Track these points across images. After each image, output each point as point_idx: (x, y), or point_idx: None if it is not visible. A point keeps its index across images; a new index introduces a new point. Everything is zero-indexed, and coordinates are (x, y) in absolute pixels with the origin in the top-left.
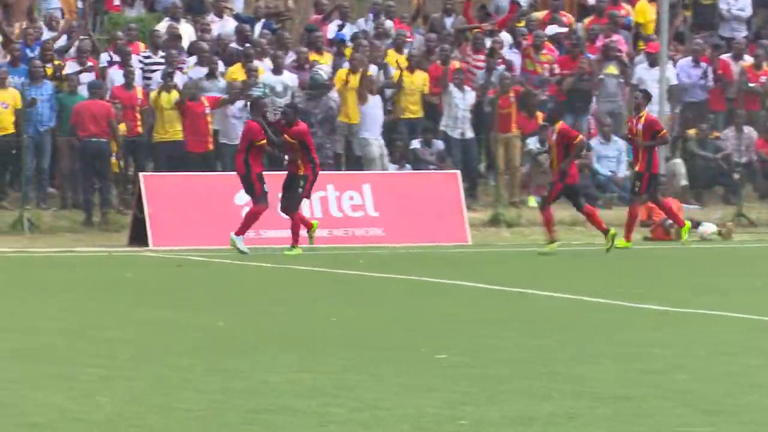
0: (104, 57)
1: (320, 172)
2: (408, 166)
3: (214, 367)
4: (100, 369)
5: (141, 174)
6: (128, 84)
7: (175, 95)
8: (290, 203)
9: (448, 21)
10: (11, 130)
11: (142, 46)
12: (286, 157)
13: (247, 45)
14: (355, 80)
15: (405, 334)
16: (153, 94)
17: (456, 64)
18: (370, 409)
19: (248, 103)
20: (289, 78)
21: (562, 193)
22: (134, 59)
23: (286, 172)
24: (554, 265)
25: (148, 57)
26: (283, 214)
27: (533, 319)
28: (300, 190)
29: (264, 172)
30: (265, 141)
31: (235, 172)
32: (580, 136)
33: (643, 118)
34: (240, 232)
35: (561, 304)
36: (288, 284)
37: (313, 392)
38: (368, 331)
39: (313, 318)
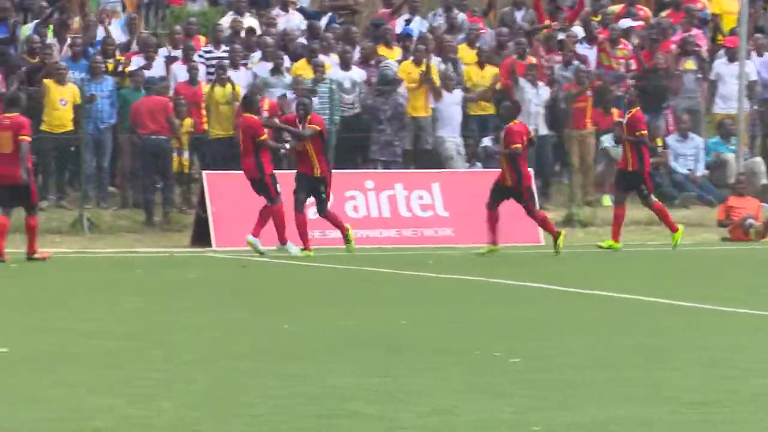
0: (163, 52)
1: (389, 170)
2: (479, 164)
3: (280, 371)
4: (162, 373)
5: (204, 172)
6: (192, 80)
7: (229, 89)
8: (318, 209)
9: (519, 15)
10: (70, 127)
11: (203, 40)
12: (287, 148)
13: (313, 39)
14: (416, 72)
15: (475, 337)
16: (206, 89)
17: (531, 59)
18: (440, 414)
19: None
20: (357, 74)
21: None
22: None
23: (297, 173)
24: (628, 265)
25: (209, 52)
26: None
27: (607, 322)
28: (323, 195)
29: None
30: (266, 137)
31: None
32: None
33: (631, 114)
34: (282, 239)
35: (635, 306)
36: (354, 286)
37: (382, 397)
38: (437, 334)
39: (382, 320)
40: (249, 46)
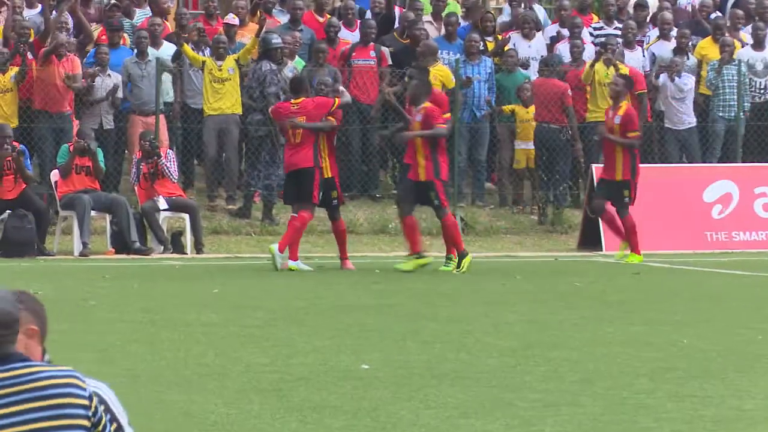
0: (551, 30)
1: None
2: None
3: (678, 391)
4: (543, 394)
5: (594, 165)
6: (575, 59)
7: (612, 71)
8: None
9: None
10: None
11: (595, 18)
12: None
13: (718, 15)
14: None
15: None
16: (586, 68)
17: None
18: None
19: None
20: None
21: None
22: (584, 32)
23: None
24: None
25: (600, 29)
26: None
27: None
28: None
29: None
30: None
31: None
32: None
33: (621, 110)
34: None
35: None
36: (753, 294)
37: None
38: None
39: None
40: (639, 23)
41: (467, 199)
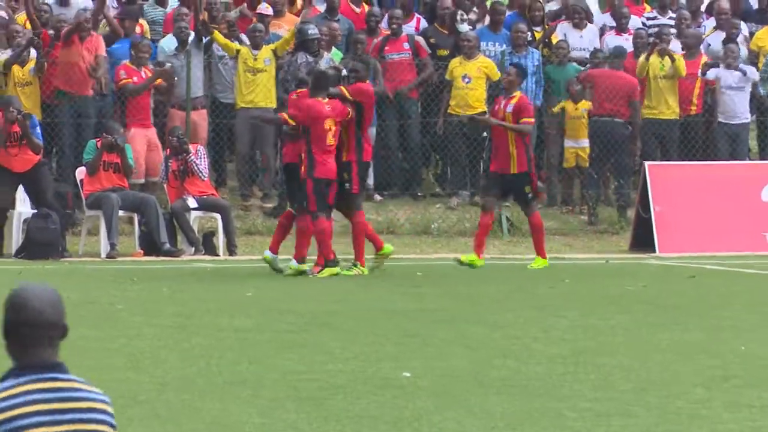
0: (600, 20)
1: None
2: None
3: (736, 401)
4: (594, 403)
5: (646, 163)
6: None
7: (668, 63)
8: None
9: None
10: (482, 108)
11: (648, 8)
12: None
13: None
14: None
15: None
16: (640, 61)
17: None
18: None
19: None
20: None
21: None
22: (634, 21)
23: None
24: None
25: (653, 18)
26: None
27: None
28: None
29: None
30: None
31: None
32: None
33: (515, 99)
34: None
35: None
36: None
37: None
38: None
39: None
40: (693, 12)
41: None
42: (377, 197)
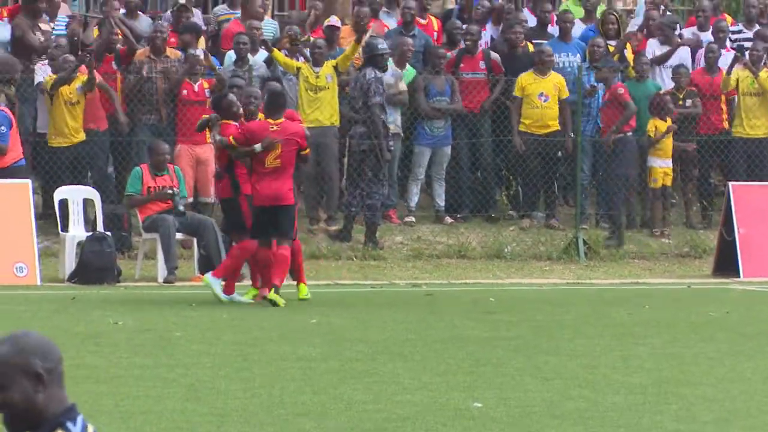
0: (687, 32)
1: None
2: None
3: None
4: None
5: (730, 183)
6: (709, 66)
7: (751, 78)
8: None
9: None
10: (556, 127)
11: (729, 20)
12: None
13: None
14: None
15: None
16: (723, 75)
17: None
18: None
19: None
20: None
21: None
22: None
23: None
24: None
25: (738, 32)
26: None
27: None
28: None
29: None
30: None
31: None
32: None
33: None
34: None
35: None
36: None
37: None
38: None
39: None
40: None
41: (591, 221)
42: (448, 219)
